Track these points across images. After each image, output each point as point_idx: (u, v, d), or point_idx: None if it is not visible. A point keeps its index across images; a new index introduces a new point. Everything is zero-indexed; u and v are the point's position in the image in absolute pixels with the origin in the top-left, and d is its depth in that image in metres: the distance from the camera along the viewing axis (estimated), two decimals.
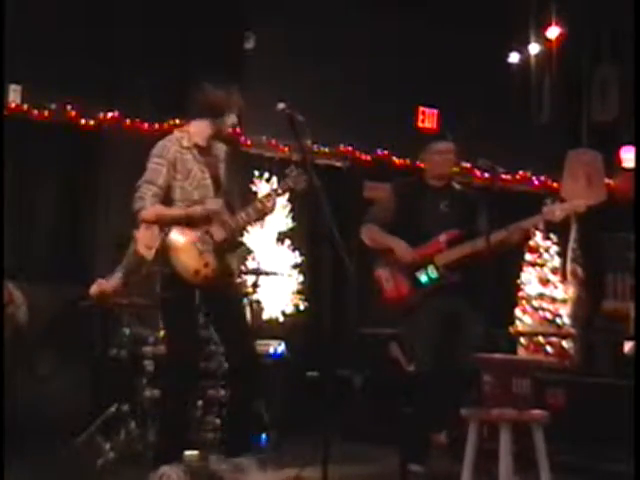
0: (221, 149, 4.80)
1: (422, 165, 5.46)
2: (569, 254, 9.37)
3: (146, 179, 4.55)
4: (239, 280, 6.00)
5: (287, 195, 4.83)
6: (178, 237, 4.52)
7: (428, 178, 5.29)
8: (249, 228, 6.93)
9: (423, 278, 5.09)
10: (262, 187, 7.57)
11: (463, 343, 4.88)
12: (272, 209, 4.69)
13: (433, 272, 5.08)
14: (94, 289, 5.91)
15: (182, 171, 4.57)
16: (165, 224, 4.56)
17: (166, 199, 4.56)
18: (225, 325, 4.70)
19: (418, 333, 4.98)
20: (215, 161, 4.74)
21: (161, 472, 4.46)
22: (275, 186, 4.67)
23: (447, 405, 4.66)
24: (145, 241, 6.10)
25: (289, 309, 7.76)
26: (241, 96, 4.72)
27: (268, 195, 4.72)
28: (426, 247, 5.11)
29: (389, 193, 5.40)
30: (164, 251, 4.54)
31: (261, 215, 4.73)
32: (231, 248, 4.70)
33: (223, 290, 4.63)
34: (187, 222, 4.54)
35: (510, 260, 8.55)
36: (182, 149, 4.60)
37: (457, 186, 5.36)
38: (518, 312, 9.23)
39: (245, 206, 4.72)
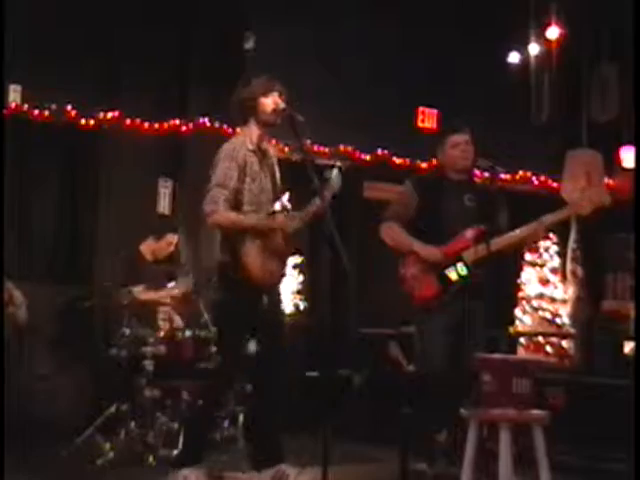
0: (275, 153, 4.77)
1: (440, 161, 5.26)
2: (569, 254, 9.37)
3: (218, 182, 4.47)
4: None
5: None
6: (249, 244, 4.47)
7: (448, 172, 5.15)
8: None
9: (453, 275, 4.95)
10: None
11: (476, 343, 4.87)
12: (321, 213, 4.46)
13: (463, 269, 4.94)
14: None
15: (250, 174, 4.54)
16: (238, 231, 4.51)
17: (234, 202, 4.51)
18: (269, 328, 4.64)
19: (439, 332, 4.91)
20: (272, 164, 4.71)
21: (182, 475, 4.41)
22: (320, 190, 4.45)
23: (455, 405, 4.64)
24: (155, 251, 6.13)
25: (289, 309, 7.76)
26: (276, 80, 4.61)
27: (318, 200, 4.51)
28: (453, 244, 4.98)
29: (409, 189, 5.21)
30: (235, 256, 4.48)
31: (311, 221, 4.58)
32: (289, 253, 4.68)
33: (272, 293, 4.62)
34: (257, 232, 4.51)
35: (510, 260, 8.54)
36: (249, 152, 4.56)
37: (477, 180, 5.30)
38: (518, 312, 9.24)
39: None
